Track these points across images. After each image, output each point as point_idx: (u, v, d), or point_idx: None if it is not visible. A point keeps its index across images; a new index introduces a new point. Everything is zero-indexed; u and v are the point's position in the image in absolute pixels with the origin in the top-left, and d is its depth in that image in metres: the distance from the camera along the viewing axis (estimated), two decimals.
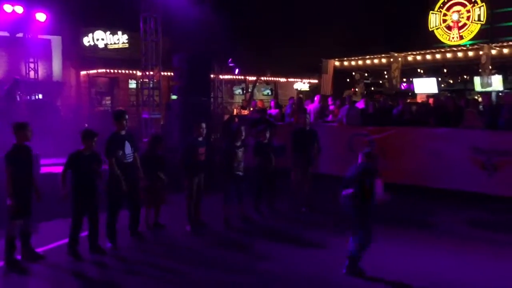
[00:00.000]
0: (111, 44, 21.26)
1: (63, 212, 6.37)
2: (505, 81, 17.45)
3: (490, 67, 15.40)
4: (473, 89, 18.25)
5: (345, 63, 19.66)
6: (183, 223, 7.28)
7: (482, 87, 16.00)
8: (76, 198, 6.04)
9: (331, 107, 13.27)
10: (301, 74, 25.92)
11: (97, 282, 5.61)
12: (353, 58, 19.41)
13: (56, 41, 20.33)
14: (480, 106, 11.62)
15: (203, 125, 7.34)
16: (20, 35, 15.63)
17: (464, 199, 8.90)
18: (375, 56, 18.62)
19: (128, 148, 6.55)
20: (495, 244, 6.71)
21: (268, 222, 7.89)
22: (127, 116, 6.67)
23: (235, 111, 17.23)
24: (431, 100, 15.03)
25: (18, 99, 13.39)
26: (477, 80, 16.61)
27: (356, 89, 20.60)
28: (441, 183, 9.37)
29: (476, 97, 17.17)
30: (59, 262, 5.97)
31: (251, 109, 16.63)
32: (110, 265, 5.99)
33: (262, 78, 24.47)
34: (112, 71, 20.63)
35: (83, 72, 20.89)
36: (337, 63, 19.72)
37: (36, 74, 16.08)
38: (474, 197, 8.87)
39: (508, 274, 5.56)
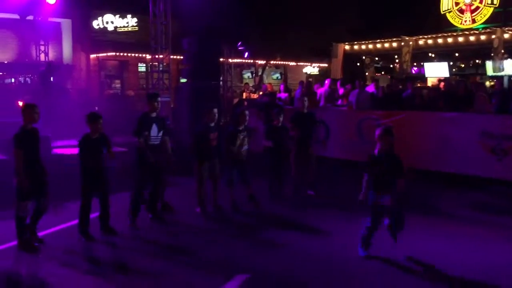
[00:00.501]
0: (120, 27, 21.25)
1: (74, 193, 6.46)
2: None
3: (503, 51, 15.17)
4: (485, 74, 18.06)
5: (355, 47, 19.49)
6: (193, 205, 7.35)
7: (494, 72, 15.81)
8: (86, 180, 6.12)
9: (340, 91, 13.22)
10: (311, 58, 25.75)
11: (107, 262, 5.69)
12: (363, 42, 19.22)
13: (66, 24, 20.36)
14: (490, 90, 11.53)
15: (215, 110, 7.33)
16: (30, 17, 15.67)
17: (473, 184, 8.90)
18: (386, 40, 18.42)
19: (154, 130, 6.65)
20: (504, 228, 6.71)
21: (275, 205, 7.93)
22: (159, 99, 6.82)
23: (244, 95, 17.20)
24: (441, 84, 14.94)
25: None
26: (489, 64, 16.42)
27: (366, 74, 20.45)
28: (450, 167, 9.36)
29: (489, 82, 16.99)
30: (70, 243, 6.07)
31: (261, 93, 16.61)
32: (121, 246, 6.08)
33: (272, 62, 24.35)
34: (121, 54, 20.63)
35: (93, 55, 20.93)
36: (347, 47, 19.55)
37: (46, 57, 16.13)
38: (483, 182, 8.87)
39: None
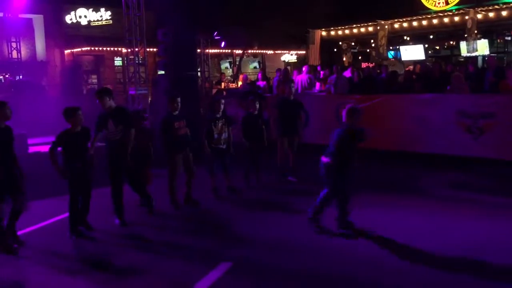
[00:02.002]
0: (94, 21, 20.90)
1: (52, 191, 6.37)
2: (491, 45, 17.47)
3: (476, 31, 15.38)
4: (460, 55, 18.28)
5: (332, 33, 19.54)
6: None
7: (468, 52, 16.02)
8: (72, 177, 6.01)
9: (321, 74, 13.22)
10: (288, 45, 25.71)
11: (89, 259, 5.62)
12: (339, 27, 19.28)
13: (38, 20, 19.95)
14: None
15: (178, 99, 7.10)
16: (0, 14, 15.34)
17: (451, 163, 9.04)
18: (362, 24, 18.50)
19: (111, 126, 6.41)
20: (483, 205, 6.84)
21: (256, 193, 7.97)
22: (106, 95, 6.54)
23: (222, 85, 17.14)
24: (418, 67, 15.07)
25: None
26: (463, 45, 16.63)
27: (344, 59, 20.53)
28: (428, 148, 9.49)
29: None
30: (51, 241, 6.01)
31: (240, 82, 16.56)
32: (101, 240, 6.04)
33: (249, 51, 24.26)
34: (97, 48, 20.33)
35: (67, 51, 20.58)
36: (323, 33, 19.59)
37: (19, 54, 15.83)
38: (461, 160, 9.01)
39: (494, 235, 5.69)
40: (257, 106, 8.25)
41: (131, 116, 6.72)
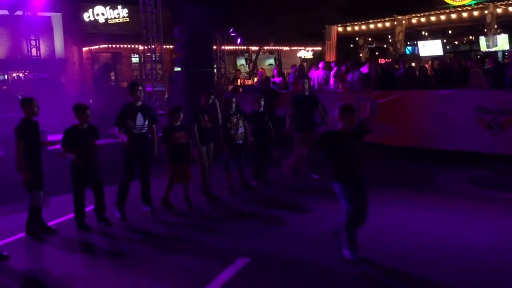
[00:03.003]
0: (111, 19, 21.05)
1: (69, 187, 6.47)
2: (511, 40, 17.15)
3: (496, 26, 15.11)
4: (479, 50, 17.99)
5: (348, 28, 19.39)
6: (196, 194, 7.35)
7: (488, 47, 15.77)
8: (76, 172, 6.11)
9: (333, 71, 13.12)
10: (305, 42, 25.55)
11: (107, 252, 5.72)
12: (356, 23, 19.11)
13: (56, 18, 20.17)
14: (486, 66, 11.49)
15: (212, 90, 7.47)
16: (19, 12, 15.52)
17: (470, 160, 8.93)
18: (379, 20, 18.32)
19: (140, 120, 6.60)
20: (502, 202, 6.75)
21: (271, 189, 7.97)
22: (140, 88, 6.76)
23: (238, 82, 17.14)
24: (436, 63, 14.89)
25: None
26: (482, 40, 16.37)
27: (361, 55, 20.37)
28: (447, 144, 9.37)
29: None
30: (69, 235, 6.10)
31: (255, 79, 16.54)
32: (119, 236, 6.11)
33: (265, 48, 24.20)
34: (114, 46, 20.48)
35: (85, 48, 20.77)
36: (340, 29, 19.46)
37: (38, 52, 16.03)
38: (480, 157, 8.89)
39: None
40: (262, 103, 8.25)
41: (155, 113, 6.92)
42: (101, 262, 5.41)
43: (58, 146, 6.33)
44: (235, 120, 7.65)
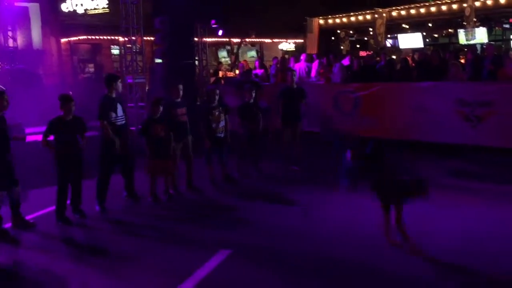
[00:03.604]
0: (90, 9, 20.68)
1: (48, 180, 6.38)
2: (489, 33, 17.39)
3: (475, 19, 15.30)
4: (458, 42, 18.21)
5: (330, 21, 19.42)
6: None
7: (466, 40, 15.96)
8: (61, 164, 6.03)
9: (314, 65, 13.15)
10: (286, 34, 25.56)
11: (87, 246, 5.66)
12: (337, 15, 19.16)
13: (34, 8, 19.72)
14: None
15: (180, 86, 7.29)
16: None
17: (450, 151, 9.05)
18: (360, 12, 18.39)
19: (120, 110, 6.55)
20: (481, 192, 6.87)
21: (256, 181, 7.98)
22: (119, 81, 6.72)
23: (220, 74, 17.06)
24: (417, 55, 15.01)
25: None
26: (461, 33, 16.56)
27: (342, 47, 20.44)
28: (427, 136, 9.48)
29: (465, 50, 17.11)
30: (48, 229, 6.02)
31: (237, 71, 16.47)
32: (99, 229, 6.05)
33: (247, 40, 24.13)
34: (93, 37, 20.19)
35: (63, 40, 20.41)
36: (321, 22, 19.48)
37: (15, 43, 15.71)
38: (460, 149, 9.02)
39: (494, 222, 5.72)
40: (253, 94, 8.23)
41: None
42: (78, 256, 5.33)
43: (39, 137, 6.22)
44: (217, 113, 7.60)
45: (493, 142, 8.77)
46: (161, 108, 6.96)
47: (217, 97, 7.64)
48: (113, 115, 6.50)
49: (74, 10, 20.39)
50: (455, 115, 9.16)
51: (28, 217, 6.24)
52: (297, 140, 8.56)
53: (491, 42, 15.30)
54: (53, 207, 6.20)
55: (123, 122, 6.65)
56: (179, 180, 7.35)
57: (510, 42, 19.01)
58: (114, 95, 6.60)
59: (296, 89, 8.60)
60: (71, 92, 11.81)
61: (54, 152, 6.01)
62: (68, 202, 6.27)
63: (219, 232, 5.74)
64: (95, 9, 20.69)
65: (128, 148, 6.70)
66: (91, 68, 21.88)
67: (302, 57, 13.46)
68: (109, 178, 6.63)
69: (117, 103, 6.57)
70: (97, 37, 20.24)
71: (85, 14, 20.51)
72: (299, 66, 13.02)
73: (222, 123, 7.67)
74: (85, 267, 4.98)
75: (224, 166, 7.84)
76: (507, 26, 18.59)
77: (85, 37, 19.99)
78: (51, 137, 6.09)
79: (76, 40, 20.41)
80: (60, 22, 20.16)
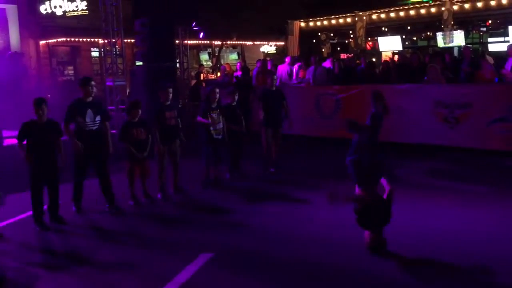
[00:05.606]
0: (69, 11, 20.43)
1: (27, 184, 6.27)
2: (466, 36, 17.70)
3: (452, 22, 15.55)
4: (436, 45, 18.49)
5: (311, 23, 19.53)
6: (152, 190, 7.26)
7: (444, 43, 16.22)
8: (33, 168, 5.93)
9: (295, 68, 13.20)
10: (267, 36, 25.63)
11: (64, 252, 5.57)
12: (318, 18, 19.29)
13: (11, 10, 19.44)
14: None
15: (170, 89, 7.22)
16: None
17: (428, 152, 9.17)
18: (340, 15, 18.55)
19: (90, 116, 6.42)
20: (459, 192, 6.98)
21: (240, 183, 7.98)
22: (93, 83, 6.55)
23: (201, 76, 17.02)
24: (396, 57, 15.20)
25: None
26: (439, 36, 16.81)
27: (323, 50, 20.57)
28: (405, 137, 9.60)
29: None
30: (25, 235, 5.91)
31: (219, 73, 16.44)
32: (76, 234, 5.97)
33: (228, 42, 24.12)
34: (73, 39, 19.95)
35: (42, 42, 20.14)
36: (302, 24, 19.58)
37: None
38: (438, 149, 9.15)
39: (471, 221, 5.81)
40: (236, 97, 8.23)
41: (107, 109, 6.73)
42: (56, 262, 5.23)
43: (14, 140, 6.12)
44: (215, 116, 7.57)
45: (470, 143, 8.92)
46: (139, 112, 6.89)
47: (217, 97, 7.60)
48: (80, 119, 6.38)
49: (53, 12, 20.12)
50: (433, 116, 9.29)
51: (5, 223, 6.12)
52: (277, 142, 8.59)
53: (469, 45, 15.57)
54: (30, 212, 6.10)
55: (94, 127, 6.49)
56: (167, 183, 7.31)
57: (487, 45, 19.35)
58: (88, 100, 6.48)
59: (276, 91, 8.64)
60: (49, 95, 11.68)
61: (26, 155, 5.88)
62: (46, 207, 6.18)
63: (201, 234, 5.72)
64: (74, 11, 20.45)
65: (100, 153, 6.58)
66: (70, 70, 21.62)
67: (287, 59, 13.52)
68: (81, 180, 6.56)
69: (88, 108, 6.43)
70: (76, 39, 19.99)
71: (64, 16, 20.26)
72: (283, 69, 13.07)
73: (219, 125, 7.64)
74: (63, 274, 4.89)
75: (217, 168, 7.79)
76: (484, 29, 18.95)
77: (64, 39, 19.73)
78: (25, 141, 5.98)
79: (55, 42, 20.14)
80: (38, 24, 19.88)
